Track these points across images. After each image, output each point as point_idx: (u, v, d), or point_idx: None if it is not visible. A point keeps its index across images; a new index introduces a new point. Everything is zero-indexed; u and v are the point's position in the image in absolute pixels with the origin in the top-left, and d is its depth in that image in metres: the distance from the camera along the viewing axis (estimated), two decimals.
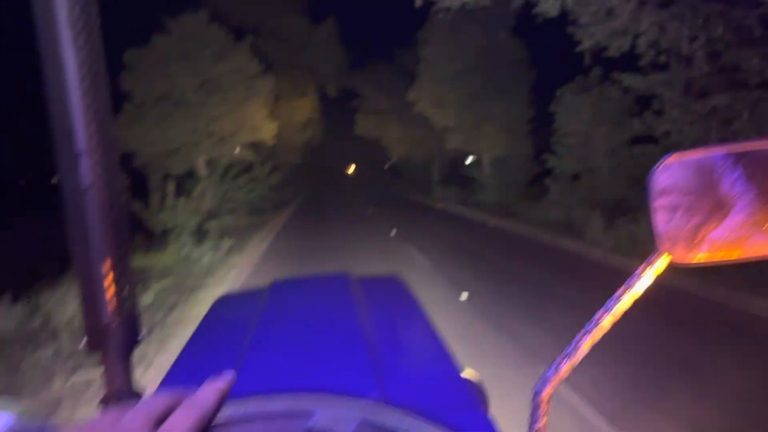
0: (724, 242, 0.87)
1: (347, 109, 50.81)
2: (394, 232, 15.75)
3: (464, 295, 7.70)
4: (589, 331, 0.87)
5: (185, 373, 1.23)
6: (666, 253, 0.86)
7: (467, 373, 1.24)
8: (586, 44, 8.88)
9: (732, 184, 0.87)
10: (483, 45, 23.37)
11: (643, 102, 14.25)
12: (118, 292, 0.64)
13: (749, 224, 0.86)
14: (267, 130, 22.62)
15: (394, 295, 1.82)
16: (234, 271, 10.65)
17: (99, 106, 0.61)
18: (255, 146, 32.83)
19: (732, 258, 0.88)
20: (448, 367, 1.17)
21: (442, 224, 18.58)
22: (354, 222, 19.38)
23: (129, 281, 0.66)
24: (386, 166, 61.82)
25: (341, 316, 1.51)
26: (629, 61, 9.37)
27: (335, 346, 1.27)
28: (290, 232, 17.21)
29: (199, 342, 1.46)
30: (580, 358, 0.86)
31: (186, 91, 19.78)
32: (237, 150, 22.14)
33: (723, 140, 9.14)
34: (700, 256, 0.87)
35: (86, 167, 0.61)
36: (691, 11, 7.08)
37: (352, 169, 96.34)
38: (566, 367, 0.88)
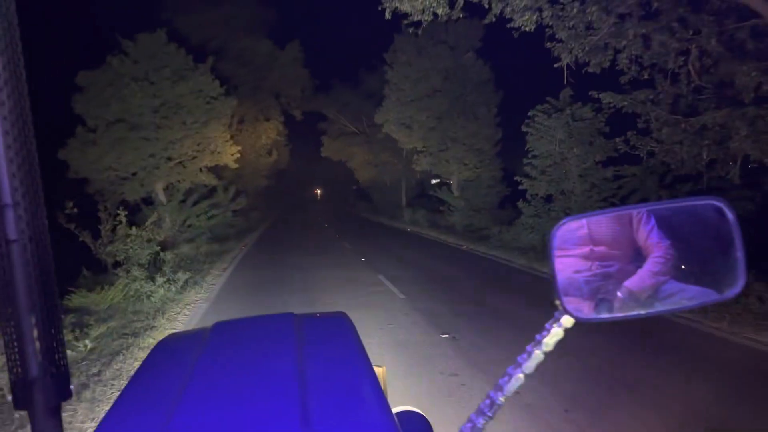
0: (622, 300, 0.92)
1: (314, 132, 50.33)
2: (363, 260, 15.00)
3: (446, 337, 6.97)
4: (501, 396, 0.96)
5: (119, 424, 1.25)
6: (567, 312, 0.89)
7: (407, 409, 1.57)
8: (565, 60, 8.40)
9: (627, 244, 0.94)
10: (449, 67, 23.07)
11: (619, 122, 13.97)
12: (46, 347, 0.63)
13: (646, 281, 0.93)
14: (229, 154, 21.73)
15: (336, 336, 1.82)
16: (189, 309, 9.71)
17: (25, 157, 0.60)
18: (218, 170, 31.92)
19: (633, 314, 0.93)
20: (380, 410, 1.21)
21: (414, 250, 17.90)
22: (321, 249, 18.55)
23: (57, 335, 0.64)
24: (353, 189, 61.19)
25: (278, 360, 1.53)
26: (608, 79, 8.92)
27: (268, 392, 1.31)
28: (254, 261, 16.28)
29: (136, 389, 1.45)
30: (504, 402, 0.93)
31: (142, 114, 18.83)
32: (198, 175, 21.14)
33: (714, 160, 8.80)
34: (598, 314, 0.92)
35: (11, 220, 0.60)
36: (680, 23, 6.66)
37: (319, 192, 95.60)
38: (494, 410, 0.98)
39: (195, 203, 21.12)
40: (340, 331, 1.83)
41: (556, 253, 0.90)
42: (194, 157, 20.84)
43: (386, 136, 35.02)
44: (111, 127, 18.58)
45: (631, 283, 0.93)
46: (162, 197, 20.84)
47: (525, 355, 0.90)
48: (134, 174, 19.37)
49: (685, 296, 0.96)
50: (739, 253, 0.95)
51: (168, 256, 14.03)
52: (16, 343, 0.62)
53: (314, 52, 51.32)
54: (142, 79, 18.75)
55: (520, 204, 16.16)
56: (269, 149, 38.94)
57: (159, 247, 13.97)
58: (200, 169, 21.35)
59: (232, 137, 28.80)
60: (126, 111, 18.57)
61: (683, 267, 0.97)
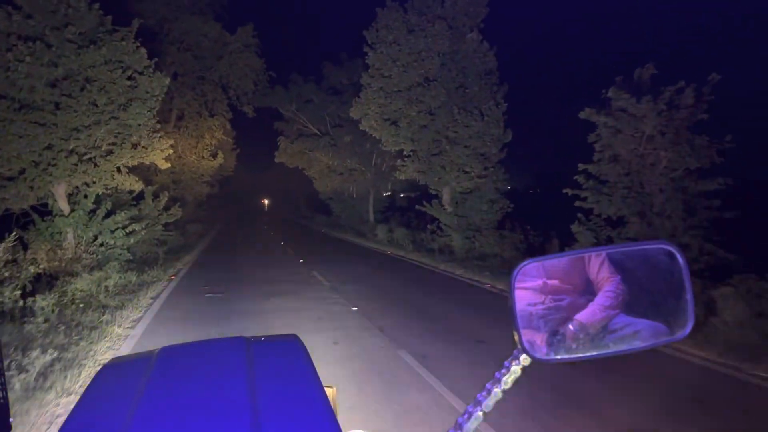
0: (580, 341, 0.93)
1: (264, 135, 44.88)
2: (355, 309, 9.99)
3: None
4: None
5: None
6: (525, 352, 0.90)
7: None
8: None
9: (592, 286, 0.96)
10: (447, 50, 18.42)
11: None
12: None
13: (599, 324, 0.93)
14: (158, 150, 16.23)
15: (287, 359, 1.79)
16: None
17: None
18: (146, 173, 26.18)
19: (588, 354, 0.95)
20: (329, 430, 1.23)
21: (421, 289, 12.98)
22: (284, 282, 13.36)
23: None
24: (307, 201, 55.85)
25: (229, 385, 1.51)
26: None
27: (219, 417, 1.29)
28: (184, 304, 10.97)
29: (81, 416, 1.41)
30: None
31: (34, 89, 13.33)
32: (114, 176, 15.59)
33: None
34: (557, 355, 0.93)
35: None
36: None
37: (266, 202, 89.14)
38: None
39: (108, 214, 15.53)
40: (291, 354, 1.82)
41: (516, 291, 0.90)
42: (109, 152, 15.33)
43: (353, 139, 30.22)
44: None
45: (582, 316, 0.94)
46: (63, 205, 15.21)
47: (484, 393, 0.90)
48: (21, 172, 13.79)
49: (638, 335, 0.98)
50: (689, 296, 0.99)
51: (43, 302, 8.59)
52: None
53: (271, 39, 45.71)
54: (36, 39, 13.24)
55: (575, 228, 11.49)
56: (213, 151, 33.32)
57: (19, 291, 8.52)
58: (118, 169, 15.83)
59: (166, 129, 23.26)
60: (10, 84, 13.06)
61: (635, 305, 0.99)
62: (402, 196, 33.12)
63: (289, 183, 67.38)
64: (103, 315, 9.26)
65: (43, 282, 11.77)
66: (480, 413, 0.92)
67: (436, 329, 8.22)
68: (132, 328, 8.86)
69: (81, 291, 11.14)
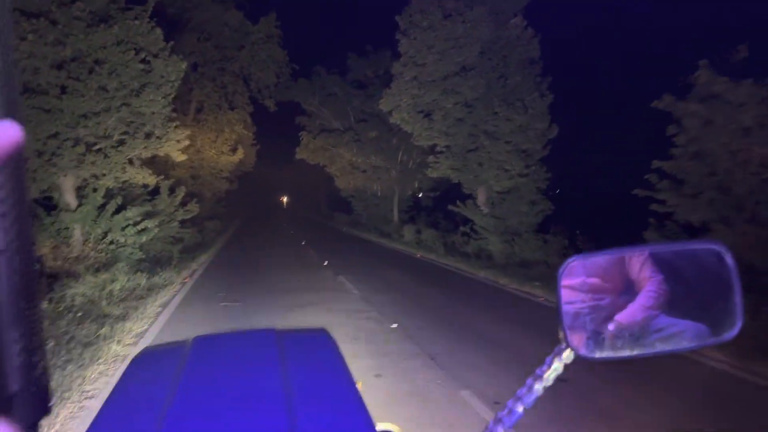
0: (625, 340, 0.93)
1: (285, 131, 43.75)
2: (395, 325, 8.56)
3: None
4: (501, 429, 0.94)
5: None
6: (572, 349, 0.89)
7: (387, 426, 1.57)
8: None
9: (634, 285, 0.94)
10: (486, 37, 16.90)
11: None
12: (28, 361, 0.60)
13: (640, 324, 0.93)
14: (174, 141, 14.94)
15: (317, 351, 1.80)
16: None
17: (13, 169, 0.58)
18: (163, 167, 25.02)
19: (632, 353, 0.94)
20: (363, 424, 1.24)
21: (455, 298, 11.52)
22: (307, 289, 11.99)
23: (39, 349, 0.62)
24: (327, 199, 54.64)
25: (263, 376, 1.53)
26: None
27: (254, 409, 1.32)
28: (197, 314, 9.63)
29: (116, 404, 1.44)
30: None
31: (38, 70, 12.16)
32: (126, 169, 14.35)
33: None
34: (602, 353, 0.93)
35: None
36: None
37: (285, 200, 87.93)
38: None
39: (119, 209, 14.31)
40: (322, 347, 1.83)
41: (562, 288, 0.91)
42: (121, 142, 14.08)
43: (378, 135, 28.81)
44: None
45: (622, 315, 0.94)
46: (70, 199, 14.02)
47: (525, 389, 0.89)
48: (26, 159, 12.44)
49: (682, 335, 0.96)
50: (738, 298, 0.96)
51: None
52: None
53: (293, 29, 44.29)
54: (41, 15, 12.03)
55: (650, 235, 9.91)
56: (233, 146, 32.14)
57: None
58: (130, 161, 14.57)
59: (184, 120, 22.05)
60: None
61: (679, 305, 0.97)
62: (420, 195, 31.58)
63: (308, 180, 66.19)
64: (102, 328, 7.93)
65: (42, 284, 10.52)
66: (520, 408, 0.90)
67: (500, 359, 6.71)
68: (134, 344, 7.51)
69: (82, 296, 9.86)
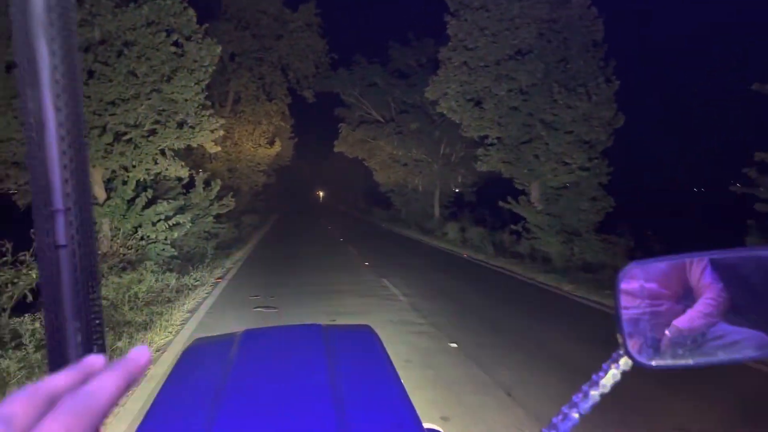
0: (685, 349, 0.89)
1: (322, 123, 42.95)
2: (453, 345, 7.33)
3: None
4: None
5: (158, 426, 1.28)
6: (630, 356, 0.88)
7: (430, 426, 1.56)
8: None
9: (692, 292, 0.91)
10: (545, 17, 15.41)
11: None
12: (89, 352, 0.62)
13: (698, 331, 0.89)
14: (207, 130, 13.97)
15: (363, 348, 1.82)
16: None
17: (77, 164, 0.61)
18: (197, 160, 24.32)
19: (694, 361, 0.90)
20: (410, 422, 1.24)
21: (517, 308, 10.22)
22: (349, 291, 10.86)
23: (100, 341, 0.64)
24: (365, 193, 53.62)
25: (310, 370, 1.58)
26: None
27: (302, 401, 1.37)
28: (228, 317, 8.60)
29: (171, 392, 1.51)
30: None
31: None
32: (159, 160, 13.48)
33: None
34: (662, 361, 0.89)
35: (62, 225, 0.60)
36: None
37: (321, 194, 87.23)
38: None
39: (150, 203, 13.45)
40: (367, 345, 1.85)
41: (621, 294, 0.91)
42: (152, 132, 13.19)
43: (420, 127, 27.51)
44: (11, 73, 11.05)
45: (680, 322, 0.92)
46: (98, 192, 13.23)
47: (581, 395, 0.87)
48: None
49: (745, 344, 0.91)
50: None
51: (35, 323, 6.32)
52: (60, 348, 0.62)
53: (333, 18, 43.26)
54: None
55: (753, 239, 8.41)
56: (271, 138, 31.32)
57: (10, 304, 6.33)
58: (162, 152, 13.68)
59: (220, 110, 21.20)
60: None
61: (741, 314, 0.93)
62: (457, 191, 30.11)
63: (345, 174, 65.39)
64: (119, 339, 6.94)
65: None
66: (575, 415, 0.87)
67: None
68: (153, 362, 6.47)
69: (103, 300, 8.94)
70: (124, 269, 11.55)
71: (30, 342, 6.05)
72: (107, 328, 7.38)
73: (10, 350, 5.62)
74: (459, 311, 9.14)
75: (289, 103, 30.91)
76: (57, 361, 0.61)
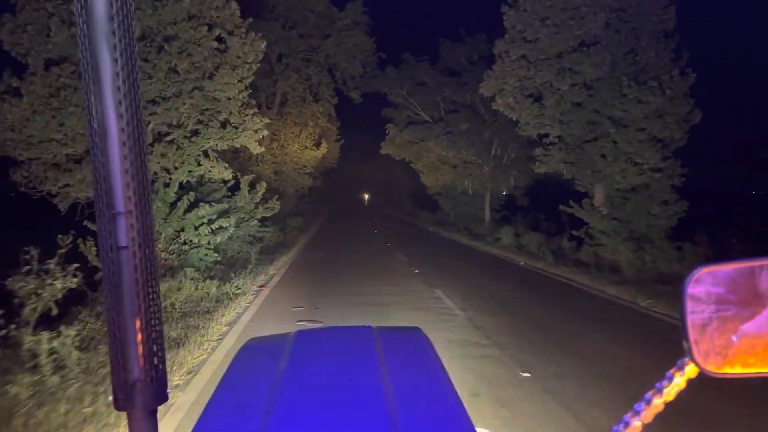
0: (756, 357, 0.86)
1: (368, 125, 42.38)
2: (526, 374, 6.33)
3: None
4: None
5: (215, 426, 1.30)
6: (696, 363, 0.86)
7: (483, 430, 1.28)
8: None
9: (762, 298, 0.87)
10: (613, 5, 14.14)
11: None
12: (147, 351, 0.64)
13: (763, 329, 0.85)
14: (251, 130, 13.32)
15: (414, 350, 1.84)
16: None
17: (138, 169, 0.63)
18: (246, 162, 23.95)
19: (763, 371, 0.86)
20: (463, 425, 1.25)
21: (592, 328, 9.11)
22: (393, 299, 9.97)
23: (158, 339, 0.66)
24: (411, 196, 52.71)
25: (363, 371, 1.61)
26: None
27: (356, 402, 1.39)
28: (269, 331, 7.78)
29: (227, 390, 1.55)
30: None
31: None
32: (202, 161, 12.93)
33: None
34: (731, 369, 0.86)
35: (123, 227, 0.63)
36: None
37: (367, 197, 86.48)
38: None
39: (191, 206, 12.89)
40: (418, 346, 1.88)
41: (687, 299, 0.88)
42: (195, 132, 12.67)
43: (471, 127, 26.38)
44: (47, 74, 10.71)
45: (749, 328, 0.88)
46: None
47: (643, 403, 0.85)
48: (89, 151, 11.25)
49: None
50: None
51: (52, 342, 5.67)
52: (120, 346, 0.64)
53: (381, 16, 42.50)
54: None
55: None
56: (317, 140, 30.80)
57: (35, 316, 5.71)
58: (204, 153, 13.13)
59: (266, 111, 20.66)
60: (74, 42, 10.51)
61: None
62: (508, 194, 28.76)
63: (391, 177, 64.69)
64: None
65: (93, 298, 9.13)
66: (638, 423, 0.85)
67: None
68: (181, 388, 5.72)
69: None
70: (163, 275, 10.99)
71: (46, 364, 5.39)
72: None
73: (20, 375, 4.95)
74: (525, 330, 8.10)
75: (335, 104, 30.33)
76: (118, 359, 0.63)
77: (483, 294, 11.05)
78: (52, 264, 6.82)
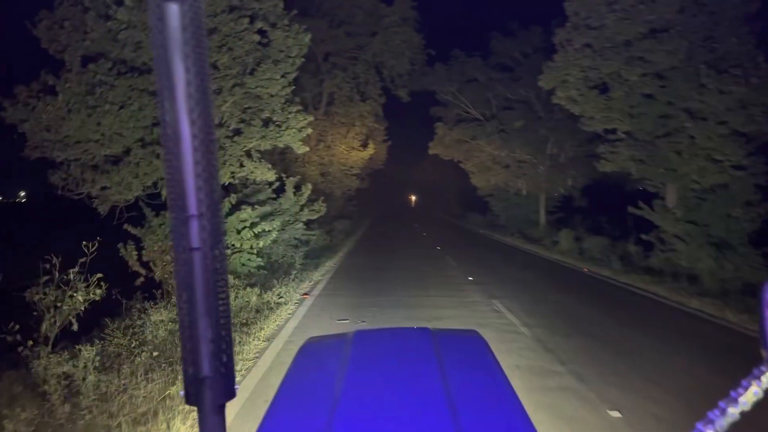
0: None
1: (415, 124, 41.49)
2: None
3: None
4: None
5: (283, 419, 1.39)
6: None
7: None
8: None
9: None
10: None
11: None
12: (217, 347, 0.67)
13: None
14: (295, 128, 12.61)
15: (473, 353, 1.86)
16: None
17: (209, 174, 0.65)
18: (292, 163, 23.43)
19: None
20: (524, 428, 1.27)
21: (683, 351, 7.95)
22: (447, 312, 9.01)
23: (227, 337, 0.68)
24: (459, 197, 51.45)
25: (423, 372, 1.64)
26: None
27: (418, 403, 1.41)
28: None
29: (292, 387, 1.63)
30: None
31: (140, 46, 10.31)
32: (245, 162, 12.32)
33: None
34: None
35: (195, 229, 0.65)
36: None
37: (413, 198, 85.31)
38: None
39: (233, 208, 12.29)
40: (476, 348, 1.90)
41: (766, 307, 0.82)
42: (237, 131, 12.06)
43: (525, 124, 25.08)
44: (87, 68, 10.27)
45: None
46: None
47: (718, 412, 0.80)
48: (127, 152, 10.92)
49: None
50: None
51: (63, 366, 5.00)
52: (191, 343, 0.66)
53: (429, 11, 41.28)
54: None
55: None
56: (364, 140, 30.06)
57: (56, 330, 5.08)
58: (247, 154, 12.50)
59: (313, 112, 19.98)
60: (111, 38, 10.11)
61: None
62: (564, 194, 27.22)
63: (437, 178, 63.54)
64: (172, 386, 5.49)
65: (128, 306, 8.56)
66: None
67: None
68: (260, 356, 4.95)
69: (161, 323, 7.65)
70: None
71: (56, 391, 4.71)
72: (158, 369, 6.00)
73: (18, 408, 4.25)
74: (605, 356, 7.00)
75: (383, 103, 29.51)
76: (189, 355, 0.66)
77: (548, 307, 9.95)
78: (72, 274, 6.21)
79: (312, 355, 1.92)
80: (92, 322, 7.72)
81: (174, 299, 8.50)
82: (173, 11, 0.62)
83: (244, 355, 6.89)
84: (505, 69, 26.26)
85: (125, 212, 11.69)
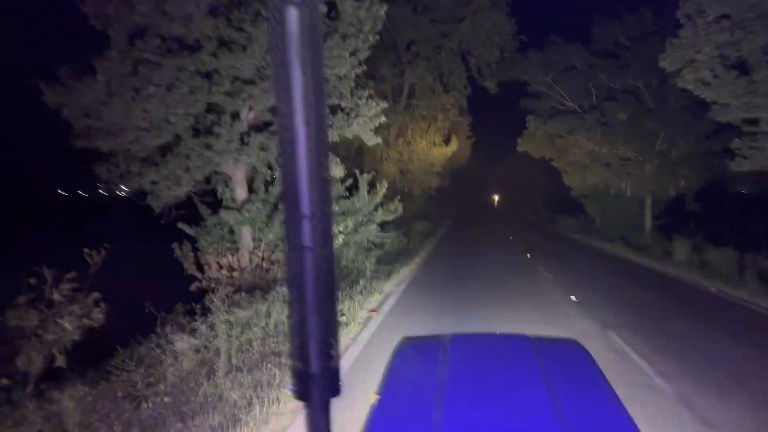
0: None
1: (502, 116, 39.02)
2: None
3: None
4: None
5: (391, 418, 1.42)
6: None
7: None
8: None
9: None
10: None
11: None
12: (325, 345, 0.69)
13: None
14: (366, 117, 10.89)
15: (574, 362, 1.82)
16: None
17: (321, 175, 0.68)
18: (369, 160, 21.89)
19: None
20: None
21: None
22: (542, 329, 6.94)
23: (334, 335, 0.70)
24: (547, 198, 48.12)
25: (525, 379, 1.64)
26: None
27: (524, 409, 1.42)
28: (373, 381, 5.17)
29: (393, 390, 1.67)
30: None
31: (191, 19, 8.93)
32: None
33: None
34: None
35: (307, 229, 0.68)
36: None
37: (496, 198, 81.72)
38: None
39: None
40: (578, 357, 1.86)
41: None
42: None
43: (630, 117, 22.15)
44: (134, 44, 9.00)
45: None
46: (240, 193, 10.92)
47: None
48: (177, 139, 9.64)
49: None
50: None
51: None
52: (300, 339, 0.69)
53: None
54: None
55: None
56: (446, 136, 28.11)
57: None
58: None
59: (391, 102, 18.31)
60: (158, 10, 8.79)
61: None
62: (675, 197, 23.94)
63: (523, 177, 60.31)
64: None
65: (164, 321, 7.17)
66: None
67: None
68: None
69: (190, 350, 6.11)
70: (250, 291, 8.89)
71: None
72: (173, 416, 4.42)
73: None
74: None
75: (468, 94, 27.35)
76: (299, 353, 0.67)
77: (685, 345, 7.63)
78: (56, 294, 4.75)
79: (410, 356, 1.91)
80: (113, 341, 6.37)
81: (216, 317, 6.97)
82: (292, 14, 0.64)
83: (281, 408, 5.18)
84: (607, 56, 23.35)
85: (175, 210, 10.48)
